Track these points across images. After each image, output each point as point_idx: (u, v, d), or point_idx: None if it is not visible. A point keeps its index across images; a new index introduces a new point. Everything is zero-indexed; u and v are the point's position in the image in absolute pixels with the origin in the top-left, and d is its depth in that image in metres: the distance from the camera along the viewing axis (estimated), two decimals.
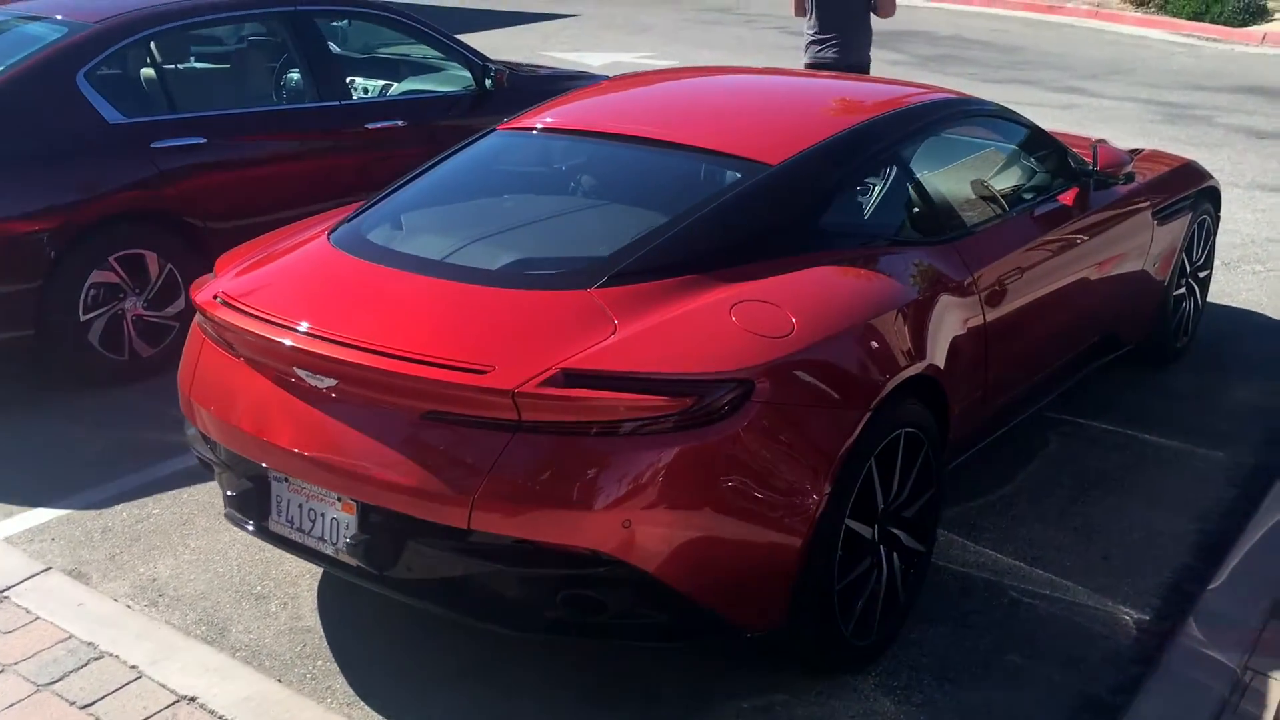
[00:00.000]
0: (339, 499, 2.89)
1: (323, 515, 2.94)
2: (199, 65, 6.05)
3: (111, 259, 4.93)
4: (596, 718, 3.04)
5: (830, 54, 6.87)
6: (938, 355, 3.34)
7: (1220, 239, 6.01)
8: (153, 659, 3.11)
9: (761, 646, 3.22)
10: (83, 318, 4.88)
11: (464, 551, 2.79)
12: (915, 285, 3.35)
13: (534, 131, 3.86)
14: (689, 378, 2.72)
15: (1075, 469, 4.47)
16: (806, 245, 3.29)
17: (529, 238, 3.39)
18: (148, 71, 5.33)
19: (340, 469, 2.83)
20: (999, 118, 4.27)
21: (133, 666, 3.08)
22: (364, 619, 3.43)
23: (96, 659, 3.11)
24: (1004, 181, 4.14)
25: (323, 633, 3.38)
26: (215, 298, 3.14)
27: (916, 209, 3.67)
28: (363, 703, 3.08)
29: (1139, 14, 17.16)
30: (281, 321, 2.95)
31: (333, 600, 3.53)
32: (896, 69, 13.28)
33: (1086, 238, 4.30)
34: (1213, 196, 5.36)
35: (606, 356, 2.73)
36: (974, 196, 3.97)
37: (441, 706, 3.06)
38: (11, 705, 2.93)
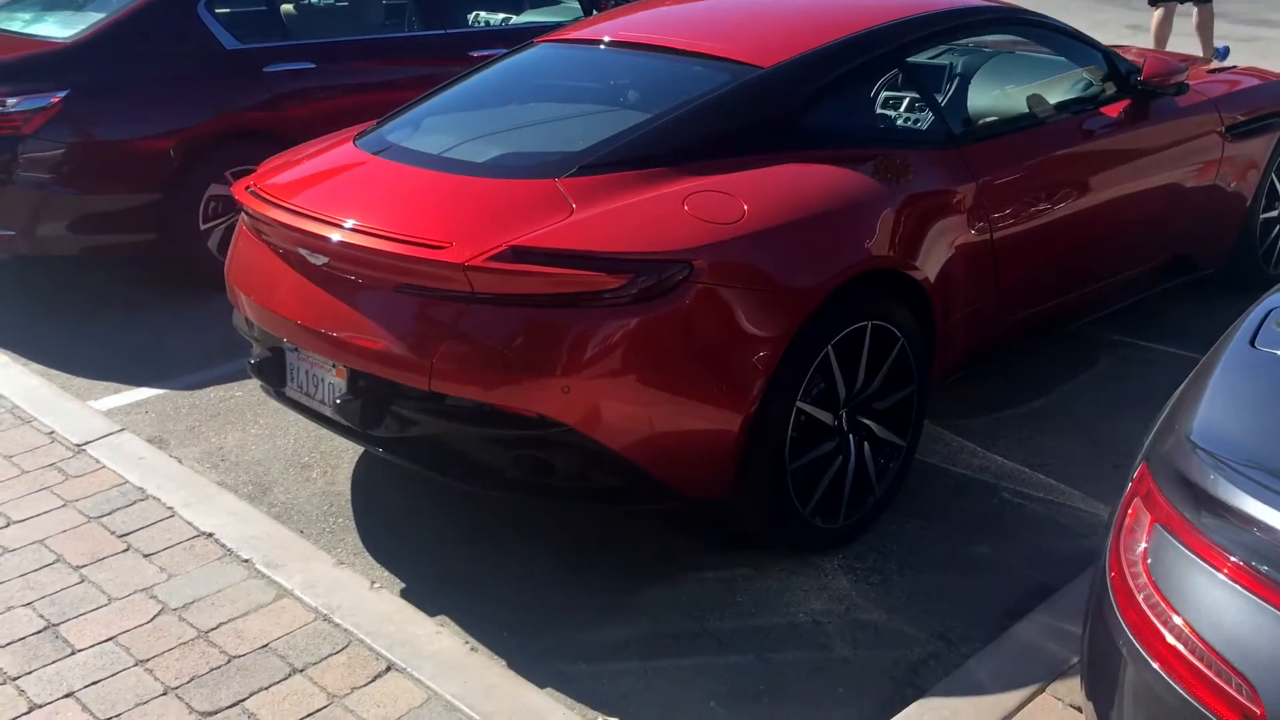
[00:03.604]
0: (333, 365, 3.23)
1: (322, 380, 3.29)
2: None
3: (228, 174, 5.44)
4: (569, 578, 3.31)
5: None
6: (918, 256, 3.42)
7: None
8: (187, 503, 3.56)
9: (733, 527, 3.41)
10: (202, 226, 5.43)
11: (432, 412, 3.09)
12: (896, 186, 3.43)
13: (562, 43, 4.10)
14: (627, 256, 2.92)
15: (1118, 387, 4.43)
16: (790, 144, 3.42)
17: (524, 136, 3.65)
18: (262, 2, 5.81)
19: (333, 338, 3.16)
20: (1034, 25, 4.23)
21: (169, 507, 3.54)
22: (391, 489, 3.78)
23: (141, 500, 3.58)
24: (1031, 90, 4.11)
25: (350, 497, 3.75)
26: (247, 188, 3.53)
27: (916, 114, 3.73)
28: (367, 553, 3.44)
29: None
30: (291, 206, 3.30)
31: (366, 472, 3.90)
32: (1079, 2, 12.82)
33: (1132, 151, 4.23)
34: None
35: (556, 236, 2.96)
36: (993, 104, 3.98)
37: (432, 561, 3.38)
38: (64, 531, 3.43)
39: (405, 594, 3.20)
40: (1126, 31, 10.98)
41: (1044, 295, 4.08)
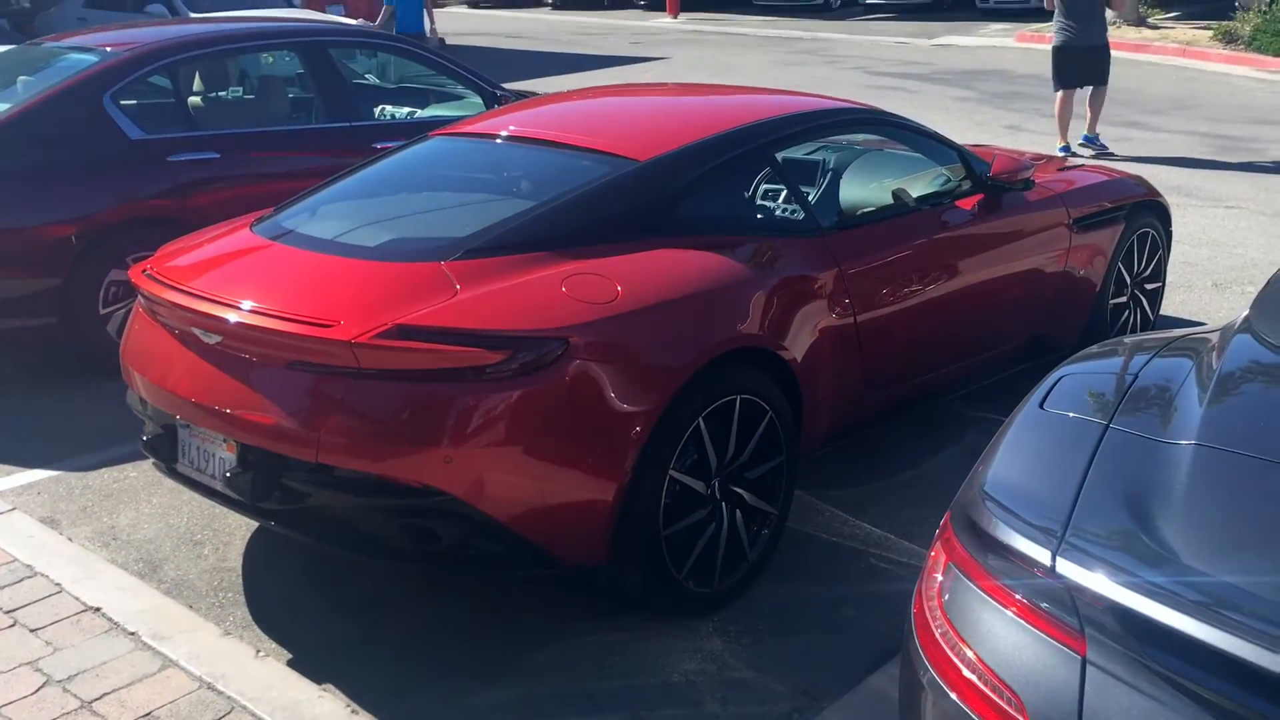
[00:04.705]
0: (224, 440, 3.36)
1: (213, 455, 3.41)
2: (217, 89, 6.71)
3: (129, 259, 5.54)
4: (455, 642, 3.43)
5: (1074, 37, 10.09)
6: (785, 336, 3.66)
7: (1224, 260, 6.06)
8: (76, 579, 3.63)
9: (613, 593, 3.57)
10: (101, 311, 5.52)
11: (320, 484, 3.22)
12: (762, 271, 3.69)
13: (455, 135, 4.34)
14: (507, 334, 3.12)
15: None
16: (664, 231, 3.66)
17: (414, 222, 3.86)
18: (168, 94, 5.99)
19: (224, 414, 3.29)
20: (895, 126, 4.57)
21: (56, 584, 3.60)
22: (283, 564, 3.88)
23: (29, 577, 3.64)
24: (893, 184, 4.44)
25: (241, 573, 3.84)
26: (143, 272, 3.67)
27: (784, 204, 4.00)
28: (255, 625, 3.53)
29: (1227, 51, 17.00)
30: (186, 288, 3.45)
31: (259, 548, 3.99)
32: (961, 105, 13.50)
33: (983, 240, 4.56)
34: (1156, 211, 5.51)
35: (440, 314, 3.15)
36: (858, 197, 4.28)
37: (320, 630, 3.48)
38: None
39: (291, 662, 3.30)
40: (1004, 131, 11.61)
41: (907, 374, 4.34)
